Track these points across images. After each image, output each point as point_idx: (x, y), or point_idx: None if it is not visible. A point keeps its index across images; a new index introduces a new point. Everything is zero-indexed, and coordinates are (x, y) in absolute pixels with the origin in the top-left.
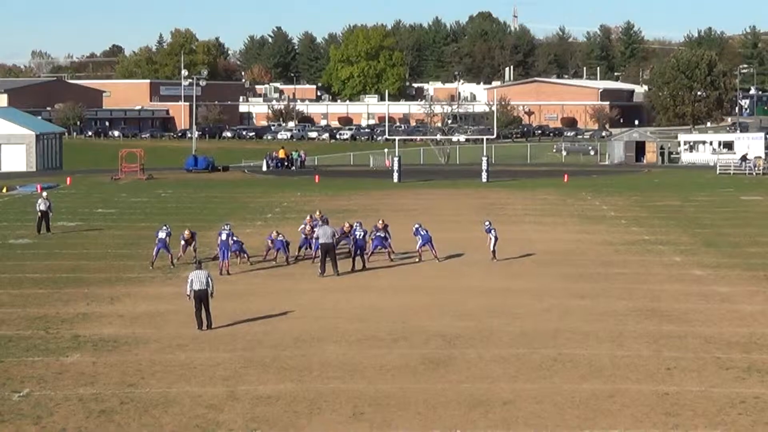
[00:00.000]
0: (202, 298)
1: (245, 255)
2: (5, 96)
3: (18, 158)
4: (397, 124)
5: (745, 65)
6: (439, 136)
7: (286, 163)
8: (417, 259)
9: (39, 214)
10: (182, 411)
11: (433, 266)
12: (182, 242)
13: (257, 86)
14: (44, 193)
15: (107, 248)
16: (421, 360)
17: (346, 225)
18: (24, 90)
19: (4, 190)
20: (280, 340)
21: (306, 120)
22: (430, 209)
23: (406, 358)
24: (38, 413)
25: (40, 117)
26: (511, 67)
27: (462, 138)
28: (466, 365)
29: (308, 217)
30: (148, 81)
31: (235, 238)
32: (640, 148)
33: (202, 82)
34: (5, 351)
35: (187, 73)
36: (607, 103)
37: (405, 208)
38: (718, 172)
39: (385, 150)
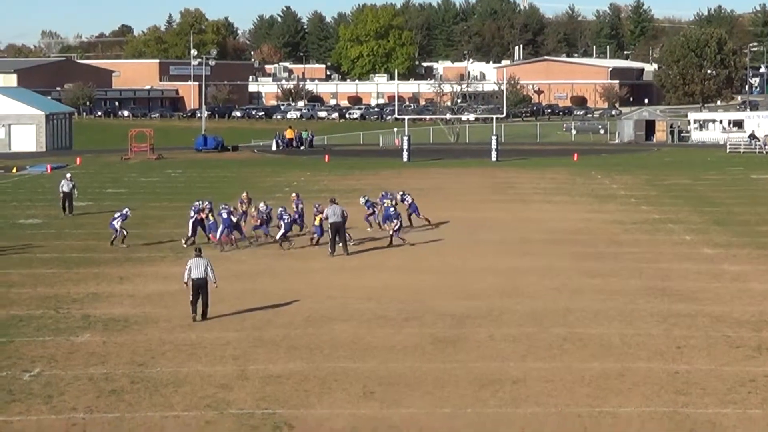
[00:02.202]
0: (200, 287)
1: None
2: (15, 76)
3: (28, 138)
4: (407, 103)
5: (755, 43)
6: (448, 115)
7: (295, 143)
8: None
9: (62, 195)
10: (192, 390)
11: (443, 246)
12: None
13: (266, 66)
14: (68, 174)
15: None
16: (431, 339)
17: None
18: (34, 70)
19: (14, 170)
20: (290, 319)
21: (315, 99)
22: (440, 188)
23: (416, 337)
24: (49, 392)
25: (49, 97)
26: (521, 45)
27: (471, 117)
28: (476, 344)
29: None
30: (158, 61)
31: (224, 216)
32: (649, 127)
33: (212, 62)
34: (16, 330)
35: (196, 53)
36: (617, 81)
37: (414, 187)
38: (728, 150)
39: (395, 129)
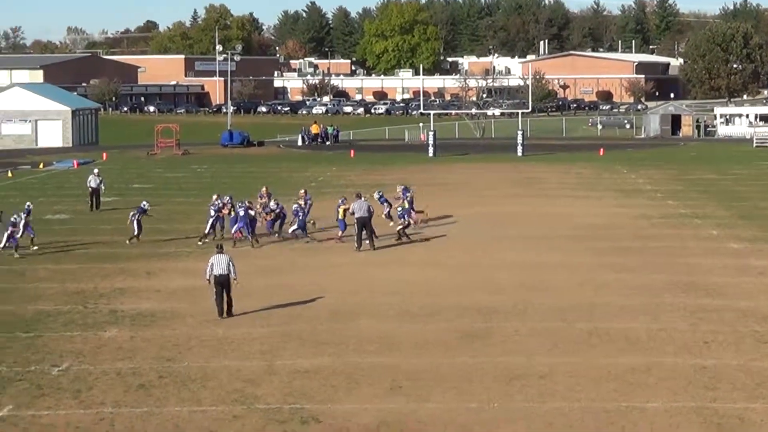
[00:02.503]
0: (223, 284)
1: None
2: (41, 72)
3: (54, 134)
4: (432, 98)
5: None
6: (474, 111)
7: (321, 138)
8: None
9: (89, 190)
10: (220, 385)
11: (469, 241)
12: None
13: (292, 61)
14: (95, 170)
15: (144, 223)
16: (457, 334)
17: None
18: (60, 66)
19: (41, 166)
20: (317, 314)
21: (341, 94)
22: (466, 183)
23: (442, 332)
24: (77, 387)
25: (75, 93)
26: (546, 40)
27: (497, 112)
28: (502, 339)
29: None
30: (183, 56)
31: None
32: (675, 122)
33: (237, 58)
34: (44, 326)
35: (221, 49)
36: (643, 76)
37: (440, 182)
38: (754, 145)
39: (420, 124)
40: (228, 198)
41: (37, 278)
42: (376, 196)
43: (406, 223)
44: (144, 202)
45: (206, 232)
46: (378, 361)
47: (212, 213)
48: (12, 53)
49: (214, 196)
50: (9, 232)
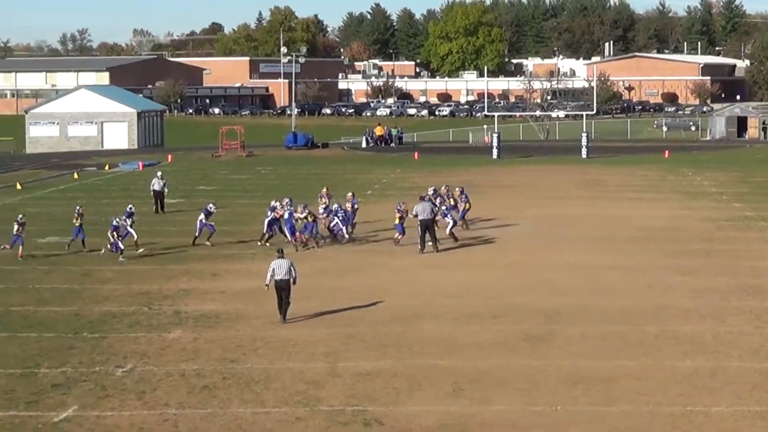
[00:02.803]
0: (282, 288)
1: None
2: (107, 74)
3: (120, 136)
4: (496, 100)
5: None
6: (538, 112)
7: (385, 140)
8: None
9: (152, 193)
10: (283, 387)
11: (532, 243)
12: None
13: (356, 63)
14: (159, 173)
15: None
16: (520, 336)
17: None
18: (125, 68)
19: (107, 168)
20: (379, 316)
21: (405, 96)
22: (530, 185)
23: (505, 334)
24: (141, 388)
25: (141, 95)
26: (611, 42)
27: (561, 114)
28: (567, 342)
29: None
30: (248, 58)
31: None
32: (741, 124)
33: (302, 59)
34: (109, 327)
35: (286, 51)
36: (708, 78)
37: (504, 184)
38: None
39: (484, 126)
40: (287, 200)
41: (103, 280)
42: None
43: (452, 222)
44: (210, 204)
45: (263, 232)
46: (440, 364)
47: (268, 213)
48: (78, 56)
49: (274, 202)
50: (114, 236)
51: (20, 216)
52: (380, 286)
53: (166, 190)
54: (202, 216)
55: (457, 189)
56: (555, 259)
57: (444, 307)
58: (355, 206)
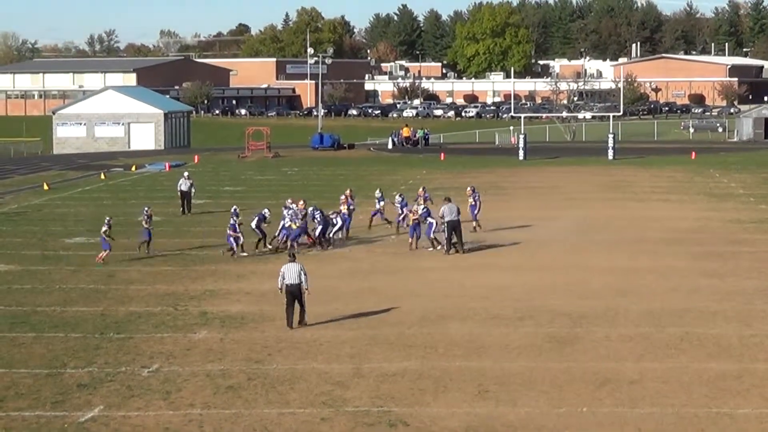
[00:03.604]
0: (294, 294)
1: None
2: (134, 75)
3: (147, 137)
4: (523, 101)
5: None
6: (564, 114)
7: (411, 141)
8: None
9: (179, 194)
10: (308, 387)
11: (558, 245)
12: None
13: (383, 64)
14: (186, 173)
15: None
16: (546, 339)
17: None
18: (153, 69)
19: (134, 168)
20: (405, 318)
21: (431, 98)
22: (556, 187)
23: (531, 336)
24: (167, 389)
25: (168, 96)
26: (638, 43)
27: (588, 115)
28: (592, 344)
29: (348, 191)
30: (275, 59)
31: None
32: None
33: (328, 60)
34: (135, 327)
35: (312, 52)
36: (736, 79)
37: (530, 185)
38: None
39: (511, 127)
40: (302, 202)
41: (129, 280)
42: (398, 199)
43: (434, 224)
44: (265, 210)
45: (276, 235)
46: (466, 365)
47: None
48: (106, 56)
49: (288, 201)
50: (233, 237)
51: (146, 208)
52: (406, 287)
53: (193, 190)
54: (255, 221)
55: (468, 188)
56: (581, 262)
57: (470, 309)
58: (351, 207)
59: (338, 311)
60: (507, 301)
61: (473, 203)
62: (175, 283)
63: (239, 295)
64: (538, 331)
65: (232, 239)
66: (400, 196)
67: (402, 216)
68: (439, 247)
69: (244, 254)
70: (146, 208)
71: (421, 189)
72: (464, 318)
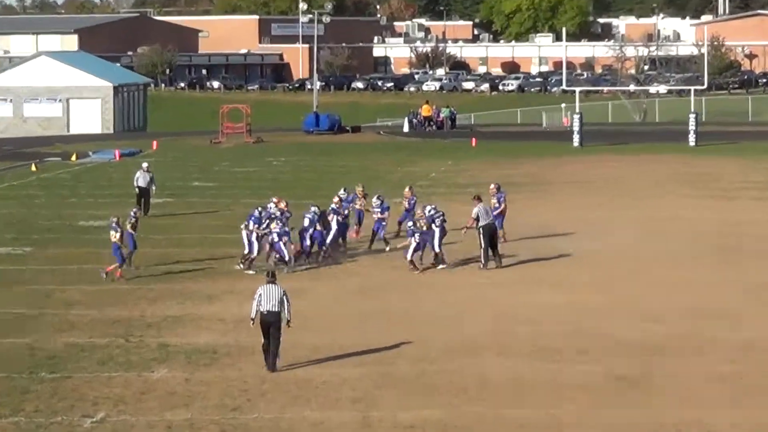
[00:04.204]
0: (270, 324)
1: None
2: (75, 37)
3: (91, 117)
4: (578, 71)
5: None
6: (632, 87)
7: (433, 123)
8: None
9: (137, 190)
10: None
11: (619, 255)
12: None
13: (396, 24)
14: (144, 164)
15: (205, 232)
16: (609, 377)
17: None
18: (99, 30)
19: (74, 158)
20: (426, 349)
21: (459, 66)
22: (619, 181)
23: (589, 374)
24: None
25: (118, 64)
26: None
27: (662, 89)
28: (670, 385)
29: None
30: (257, 17)
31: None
32: None
33: (326, 19)
34: (75, 364)
35: (306, 8)
36: None
37: (586, 179)
38: None
39: (562, 105)
40: (284, 204)
41: (68, 302)
42: (375, 202)
43: (414, 245)
44: (313, 208)
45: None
46: (506, 413)
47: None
48: (39, 13)
49: (272, 201)
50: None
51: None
52: (427, 309)
53: (153, 187)
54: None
55: (492, 185)
56: (651, 276)
57: (510, 338)
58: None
59: (338, 342)
60: (557, 328)
61: (497, 205)
62: (127, 307)
63: (210, 321)
64: (597, 367)
65: (281, 245)
66: (378, 198)
67: (380, 224)
68: (441, 266)
69: (251, 272)
70: (134, 210)
71: (407, 189)
72: (503, 350)
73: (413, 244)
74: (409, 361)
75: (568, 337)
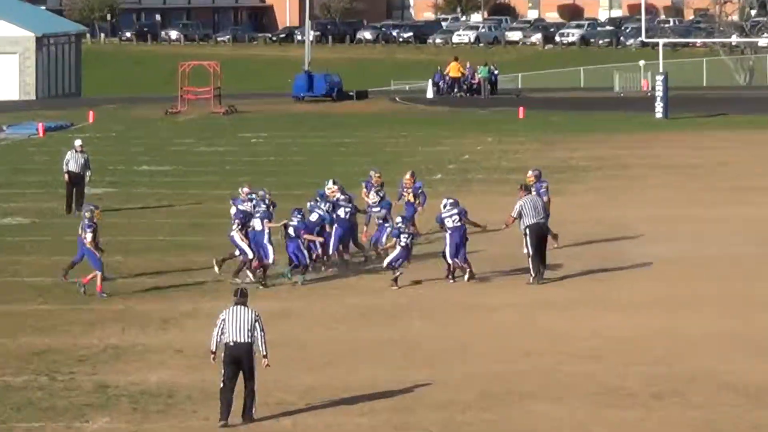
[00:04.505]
0: (239, 360)
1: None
2: None
3: (7, 78)
4: (662, 17)
5: None
6: (734, 39)
7: (466, 86)
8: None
9: (67, 177)
10: None
11: (712, 265)
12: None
13: None
14: (77, 142)
15: (157, 233)
16: (704, 430)
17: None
18: None
19: None
20: (455, 393)
21: (501, 11)
22: (716, 166)
23: (676, 426)
24: None
25: (44, 7)
26: None
27: None
28: None
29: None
30: None
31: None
32: None
33: None
34: None
35: None
36: None
37: (671, 163)
38: None
39: (641, 62)
40: (263, 192)
41: None
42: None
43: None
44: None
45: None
46: None
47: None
48: None
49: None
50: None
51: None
52: (457, 338)
53: (88, 173)
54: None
55: (530, 172)
56: (755, 293)
57: (569, 377)
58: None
59: (338, 381)
60: (629, 363)
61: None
62: (52, 334)
63: (164, 354)
64: (689, 415)
65: (299, 245)
66: (376, 191)
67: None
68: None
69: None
70: (90, 207)
71: (408, 175)
72: (558, 393)
73: (397, 249)
74: (432, 408)
75: (649, 377)
